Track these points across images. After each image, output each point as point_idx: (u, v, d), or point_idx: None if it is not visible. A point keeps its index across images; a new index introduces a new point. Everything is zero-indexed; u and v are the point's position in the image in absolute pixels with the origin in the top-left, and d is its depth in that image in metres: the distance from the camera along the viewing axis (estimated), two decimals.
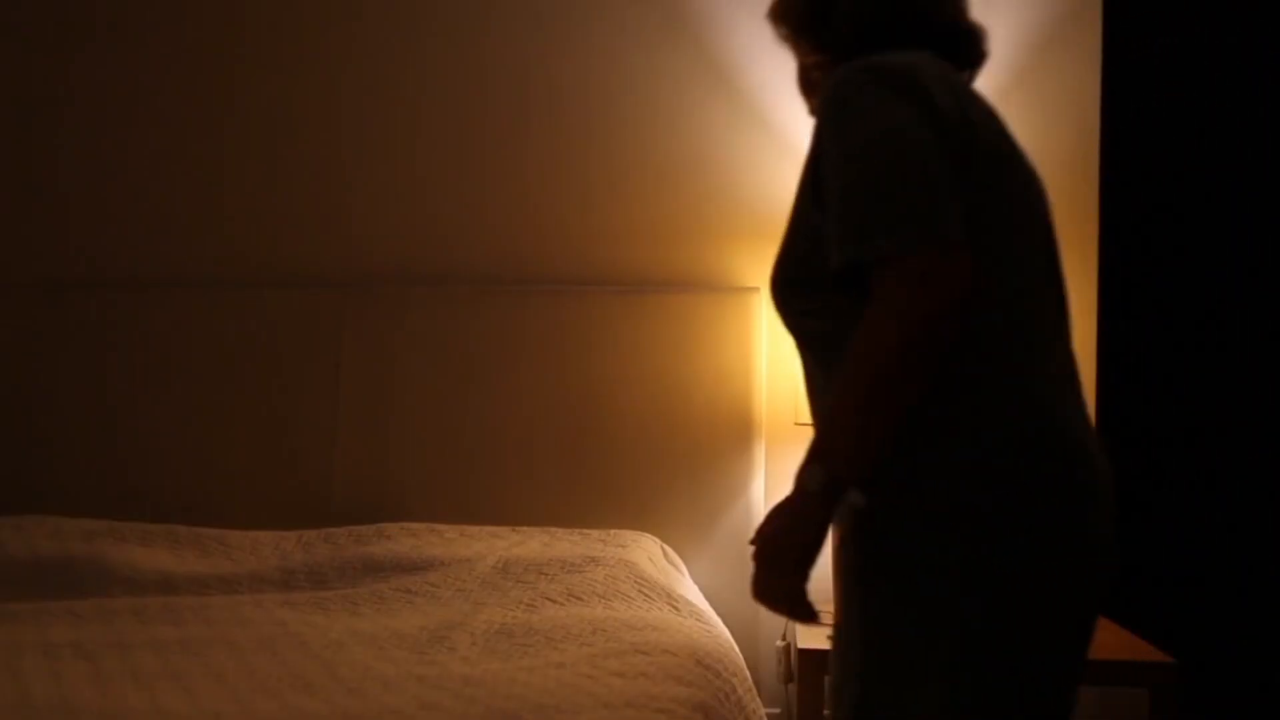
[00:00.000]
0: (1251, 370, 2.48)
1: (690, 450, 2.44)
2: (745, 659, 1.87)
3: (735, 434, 2.44)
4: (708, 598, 2.25)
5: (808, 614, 1.18)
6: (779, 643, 2.33)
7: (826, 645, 2.03)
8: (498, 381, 2.49)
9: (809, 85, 1.47)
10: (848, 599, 1.26)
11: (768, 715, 1.96)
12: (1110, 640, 2.09)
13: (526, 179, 2.61)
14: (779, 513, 1.16)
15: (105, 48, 2.74)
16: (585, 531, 2.27)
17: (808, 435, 1.22)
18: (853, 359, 1.12)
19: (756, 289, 2.48)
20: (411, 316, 2.54)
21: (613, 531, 2.28)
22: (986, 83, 2.49)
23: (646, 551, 2.17)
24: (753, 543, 1.21)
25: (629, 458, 2.44)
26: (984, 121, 1.28)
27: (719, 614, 2.07)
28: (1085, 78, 2.46)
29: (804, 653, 2.01)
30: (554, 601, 1.91)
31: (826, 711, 2.03)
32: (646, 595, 1.99)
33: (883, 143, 1.15)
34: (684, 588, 2.19)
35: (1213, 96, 2.51)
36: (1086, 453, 1.24)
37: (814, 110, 1.39)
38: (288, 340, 2.56)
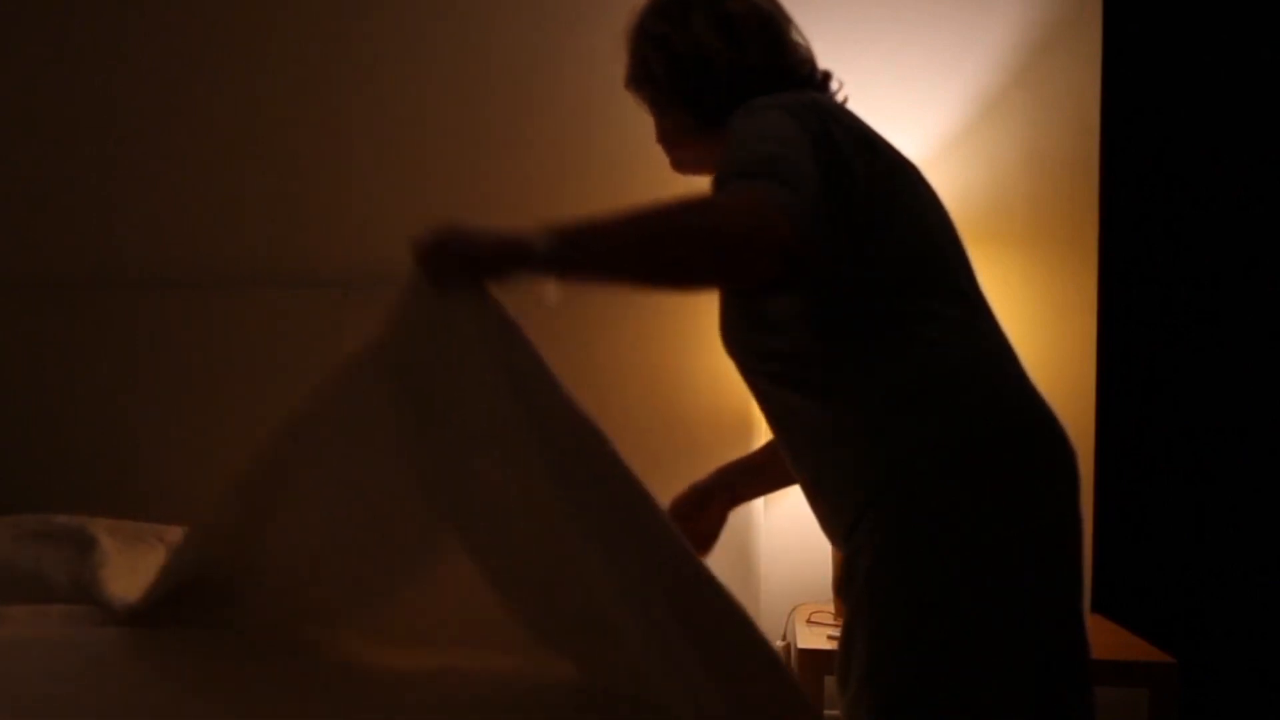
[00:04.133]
0: (1252, 370, 2.48)
1: (689, 450, 2.43)
2: None
3: (734, 434, 2.44)
4: None
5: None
6: (779, 643, 2.33)
7: (827, 645, 2.03)
8: None
9: (672, 143, 1.53)
10: (859, 609, 1.28)
11: None
12: (1110, 640, 2.09)
13: (527, 178, 2.60)
14: (495, 233, 1.22)
15: (105, 44, 2.73)
16: None
17: None
18: (660, 208, 1.16)
19: None
20: None
21: None
22: (987, 82, 2.49)
23: None
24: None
25: (628, 458, 2.43)
26: (880, 140, 1.36)
27: None
28: (1085, 78, 2.46)
29: (804, 653, 2.01)
30: None
31: (828, 711, 2.03)
32: None
33: (768, 132, 1.24)
34: None
35: (1213, 96, 2.51)
36: (1047, 420, 1.30)
37: (680, 166, 1.54)
38: (288, 340, 2.55)
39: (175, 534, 2.26)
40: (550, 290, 1.19)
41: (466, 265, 1.23)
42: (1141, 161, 2.52)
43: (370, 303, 2.56)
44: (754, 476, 1.73)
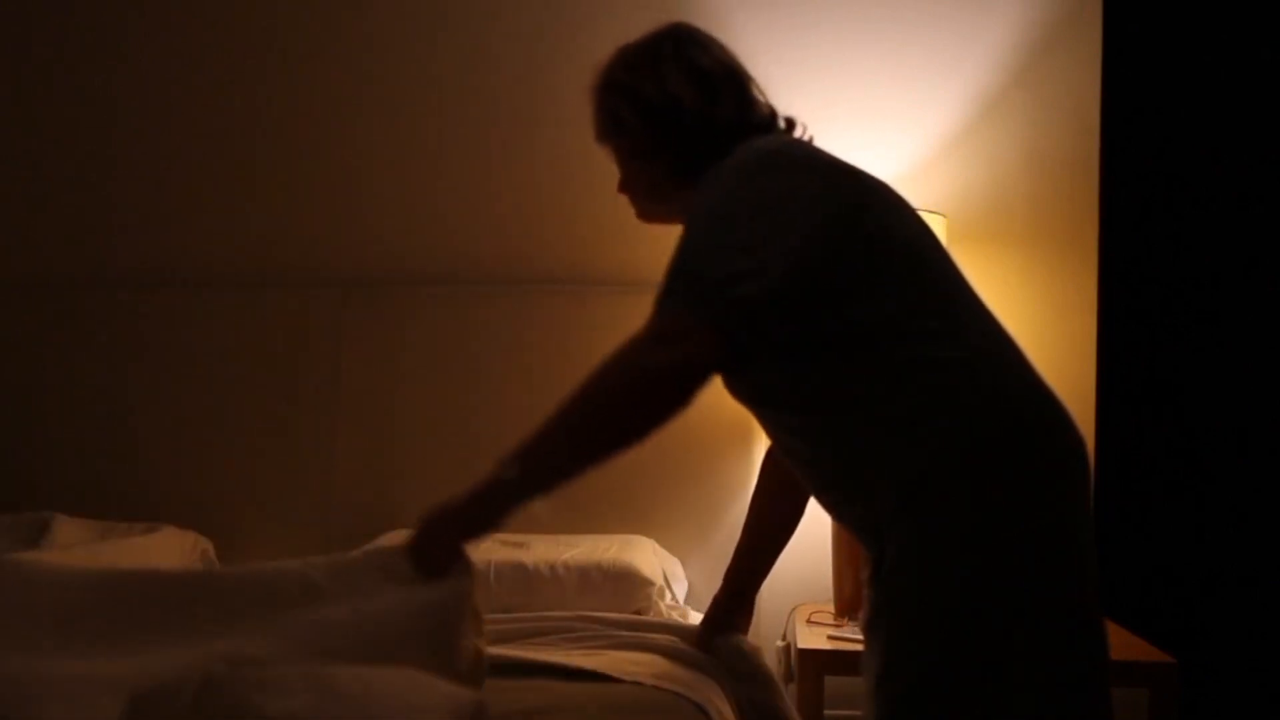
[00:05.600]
0: (1252, 370, 2.48)
1: (689, 452, 2.43)
2: None
3: (734, 435, 2.44)
4: (706, 601, 2.25)
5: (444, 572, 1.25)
6: (779, 643, 2.33)
7: (827, 645, 2.03)
8: (497, 382, 2.48)
9: (642, 195, 1.54)
10: (878, 612, 1.28)
11: None
12: (1110, 640, 2.08)
13: (529, 178, 2.60)
14: (466, 496, 1.24)
15: (105, 43, 2.73)
16: (581, 536, 2.27)
17: None
18: (587, 386, 1.23)
19: None
20: (412, 316, 2.53)
21: (606, 536, 2.28)
22: (987, 82, 2.50)
23: (643, 555, 2.18)
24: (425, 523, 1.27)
25: (628, 459, 2.43)
26: (850, 166, 1.37)
27: None
28: (1085, 78, 2.46)
29: (804, 652, 2.01)
30: (550, 608, 1.92)
31: (829, 711, 2.03)
32: (642, 600, 2.03)
33: (713, 212, 1.28)
34: (679, 591, 2.20)
35: (1213, 96, 2.52)
36: (1049, 413, 1.30)
37: (646, 216, 1.56)
38: (288, 340, 2.56)
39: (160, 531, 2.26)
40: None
41: (457, 544, 1.25)
42: (1141, 161, 2.52)
43: (371, 302, 2.57)
44: (753, 561, 1.78)
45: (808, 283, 1.25)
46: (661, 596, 2.09)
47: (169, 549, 2.25)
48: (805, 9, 2.53)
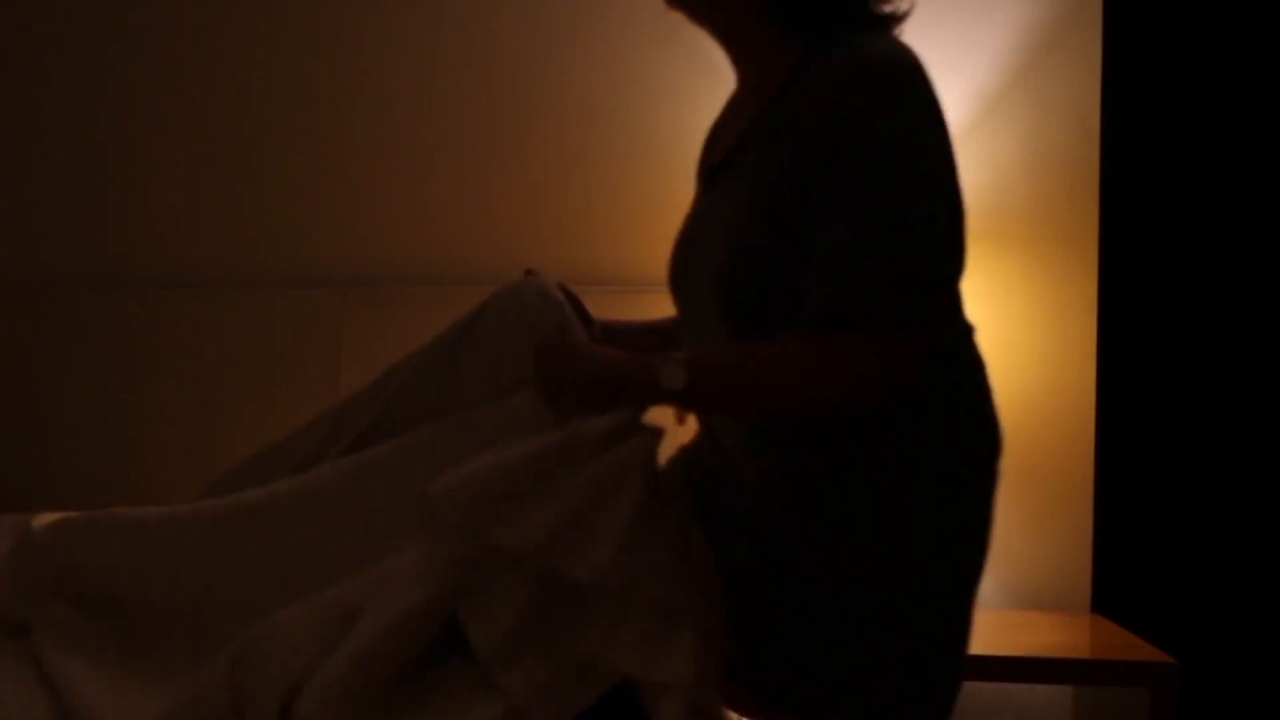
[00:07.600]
0: (1253, 370, 2.48)
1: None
2: None
3: None
4: None
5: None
6: None
7: None
8: None
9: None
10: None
11: None
12: (1110, 640, 2.08)
13: (528, 178, 2.60)
14: (608, 366, 1.22)
15: (104, 42, 2.73)
16: None
17: None
18: (773, 363, 1.13)
19: None
20: (412, 316, 2.53)
21: None
22: (987, 82, 2.49)
23: None
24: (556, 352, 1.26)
25: None
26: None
27: None
28: (1085, 78, 2.46)
29: None
30: None
31: None
32: None
33: (914, 196, 1.09)
34: None
35: (1213, 96, 2.51)
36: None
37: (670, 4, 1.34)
38: (287, 340, 2.56)
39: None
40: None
41: (591, 394, 1.21)
42: (1141, 162, 2.51)
43: (370, 303, 2.57)
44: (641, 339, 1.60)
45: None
46: None
47: None
48: None
